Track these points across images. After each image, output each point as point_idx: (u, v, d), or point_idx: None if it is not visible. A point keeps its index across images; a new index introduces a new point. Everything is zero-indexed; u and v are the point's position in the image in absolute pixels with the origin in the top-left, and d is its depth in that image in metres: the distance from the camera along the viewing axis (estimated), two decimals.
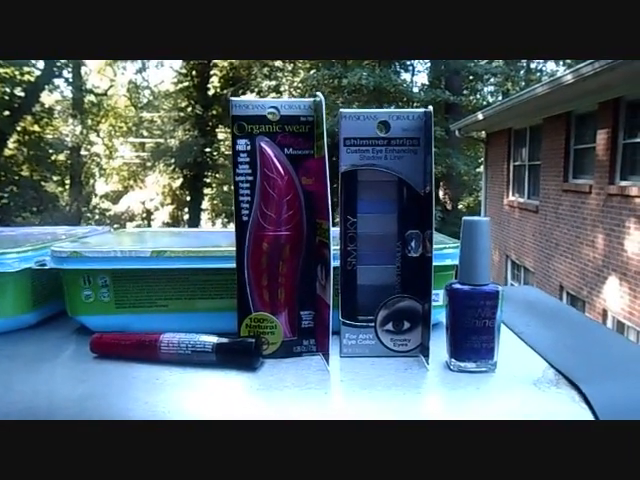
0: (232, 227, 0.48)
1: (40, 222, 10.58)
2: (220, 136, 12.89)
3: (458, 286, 0.44)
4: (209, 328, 0.47)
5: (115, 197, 14.10)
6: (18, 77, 10.20)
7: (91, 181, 13.96)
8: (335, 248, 0.46)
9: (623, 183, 4.21)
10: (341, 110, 0.46)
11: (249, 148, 0.46)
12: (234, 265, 0.47)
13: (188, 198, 13.43)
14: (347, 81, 9.45)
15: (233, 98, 0.46)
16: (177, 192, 13.65)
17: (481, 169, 9.29)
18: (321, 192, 0.45)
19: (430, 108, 0.45)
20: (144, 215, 14.01)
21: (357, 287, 0.47)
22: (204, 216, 14.06)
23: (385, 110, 0.46)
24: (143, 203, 13.91)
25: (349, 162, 0.46)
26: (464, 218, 0.44)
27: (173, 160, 12.47)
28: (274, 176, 0.46)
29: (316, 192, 0.46)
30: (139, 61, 13.50)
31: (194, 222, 13.03)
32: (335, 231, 0.46)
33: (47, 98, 11.80)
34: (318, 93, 0.45)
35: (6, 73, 9.95)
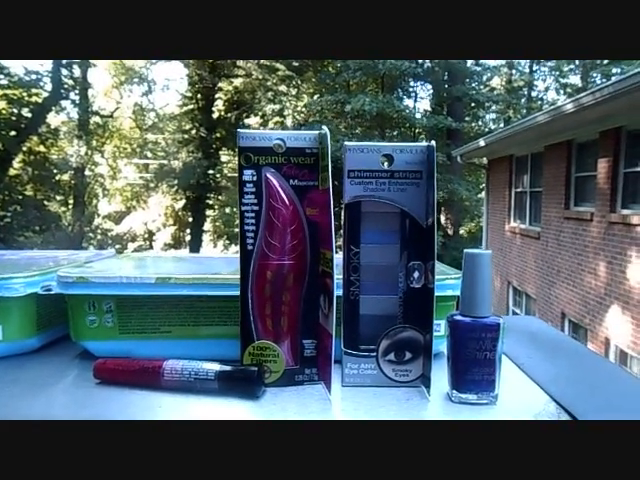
0: (233, 251, 0.48)
1: (42, 241, 10.62)
2: (223, 158, 13.01)
3: (459, 318, 0.44)
4: (212, 355, 0.47)
5: (118, 217, 14.17)
6: (26, 98, 10.35)
7: (94, 201, 14.06)
8: (338, 277, 0.47)
9: (624, 212, 4.23)
10: (345, 143, 0.47)
11: (255, 179, 0.47)
12: (238, 293, 0.47)
13: (190, 219, 13.48)
14: (350, 107, 9.57)
15: (240, 130, 0.47)
16: (179, 213, 13.71)
17: (482, 195, 9.34)
18: (325, 222, 0.46)
19: (433, 143, 0.47)
20: (146, 236, 14.05)
21: (359, 317, 0.48)
22: (206, 237, 14.09)
23: (389, 144, 0.47)
24: (145, 224, 13.96)
25: (353, 193, 0.47)
26: (466, 250, 0.44)
27: (176, 181, 12.56)
28: (279, 206, 0.47)
29: (320, 222, 0.47)
30: (145, 84, 13.72)
31: (196, 243, 13.05)
32: (338, 259, 0.47)
33: (53, 119, 11.96)
34: (323, 126, 0.46)
35: (14, 94, 10.09)
